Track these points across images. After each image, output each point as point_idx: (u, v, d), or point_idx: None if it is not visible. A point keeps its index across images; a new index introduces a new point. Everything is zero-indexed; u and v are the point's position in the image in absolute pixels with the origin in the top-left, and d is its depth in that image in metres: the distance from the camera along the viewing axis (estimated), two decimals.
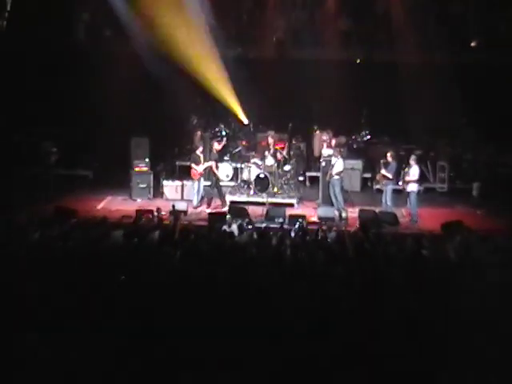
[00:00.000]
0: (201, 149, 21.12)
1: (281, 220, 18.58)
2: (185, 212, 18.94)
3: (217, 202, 20.66)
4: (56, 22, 23.84)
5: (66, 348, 10.19)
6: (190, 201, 20.46)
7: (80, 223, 17.14)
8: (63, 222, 16.76)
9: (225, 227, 16.75)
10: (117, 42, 23.81)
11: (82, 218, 17.67)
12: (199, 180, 20.63)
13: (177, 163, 23.14)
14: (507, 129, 21.54)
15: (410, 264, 13.99)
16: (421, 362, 10.14)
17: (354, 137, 23.52)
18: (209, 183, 21.46)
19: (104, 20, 24.73)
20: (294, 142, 22.71)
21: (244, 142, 22.28)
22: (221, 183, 21.25)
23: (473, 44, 24.20)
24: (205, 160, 20.87)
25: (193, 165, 20.68)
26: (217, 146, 21.52)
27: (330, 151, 20.31)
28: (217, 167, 21.48)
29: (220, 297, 11.64)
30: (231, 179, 21.74)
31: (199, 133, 22.28)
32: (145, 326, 10.63)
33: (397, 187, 19.77)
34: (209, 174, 21.25)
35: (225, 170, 21.94)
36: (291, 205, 20.16)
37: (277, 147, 21.71)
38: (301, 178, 22.34)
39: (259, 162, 21.27)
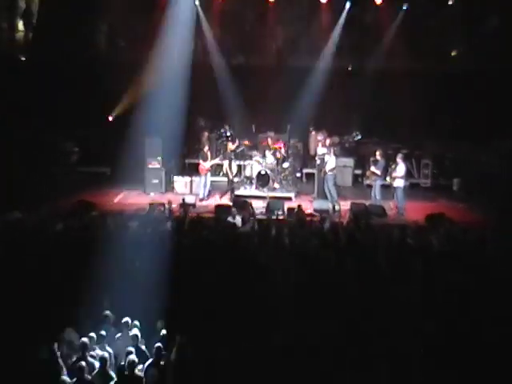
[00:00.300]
0: (207, 147, 21.14)
1: (280, 212, 18.50)
2: (193, 205, 18.97)
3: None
4: (79, 33, 23.50)
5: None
6: (198, 194, 20.33)
7: (99, 215, 17.38)
8: (84, 214, 17.23)
9: (230, 218, 16.93)
10: (131, 52, 23.51)
11: (101, 211, 17.81)
12: (206, 175, 20.66)
13: (186, 161, 23.16)
14: (485, 130, 21.42)
15: (396, 251, 14.48)
16: (402, 337, 10.32)
17: (346, 137, 23.39)
18: (215, 178, 21.76)
19: (119, 30, 24.31)
20: (291, 141, 22.44)
21: (246, 142, 22.18)
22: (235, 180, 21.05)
23: (453, 53, 23.96)
24: (211, 157, 20.92)
25: (200, 161, 20.70)
26: (231, 146, 21.62)
27: (324, 150, 20.20)
28: (230, 166, 21.48)
29: (225, 281, 12.12)
30: (235, 175, 21.54)
31: (206, 133, 22.10)
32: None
33: (385, 183, 19.68)
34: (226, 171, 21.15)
35: (232, 167, 21.55)
36: (289, 198, 20.11)
37: (275, 146, 21.43)
38: (298, 175, 22.26)
39: (260, 160, 21.23)
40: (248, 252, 14.35)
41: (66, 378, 9.10)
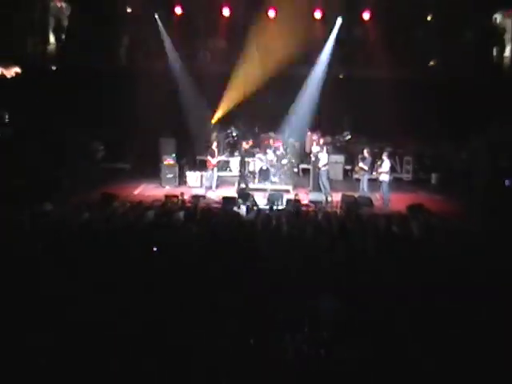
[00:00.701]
0: (215, 145, 21.08)
1: (279, 203, 18.48)
2: (203, 196, 18.91)
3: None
4: (102, 46, 23.62)
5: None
6: (208, 187, 20.43)
7: (121, 206, 17.12)
8: (107, 205, 16.94)
9: (235, 208, 16.84)
10: (148, 62, 23.60)
11: (122, 202, 17.56)
12: (213, 169, 20.66)
13: (197, 158, 23.03)
14: (459, 131, 21.54)
15: (382, 237, 14.10)
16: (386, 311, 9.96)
17: (337, 137, 23.57)
18: (222, 173, 21.72)
19: (137, 45, 24.32)
20: (290, 141, 22.53)
21: (250, 141, 21.85)
22: (246, 174, 21.02)
23: (431, 63, 24.09)
24: (218, 154, 20.92)
25: (208, 157, 20.64)
26: (245, 146, 21.34)
27: (318, 148, 20.22)
28: (243, 162, 21.32)
29: (231, 262, 11.68)
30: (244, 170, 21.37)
31: (214, 133, 22.19)
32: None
33: (371, 177, 19.76)
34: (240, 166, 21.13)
35: (236, 164, 21.73)
36: (287, 191, 20.10)
37: (275, 145, 21.58)
38: (295, 170, 22.19)
39: (262, 157, 21.30)
40: (251, 237, 14.26)
41: None
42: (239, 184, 20.78)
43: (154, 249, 12.90)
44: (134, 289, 10.94)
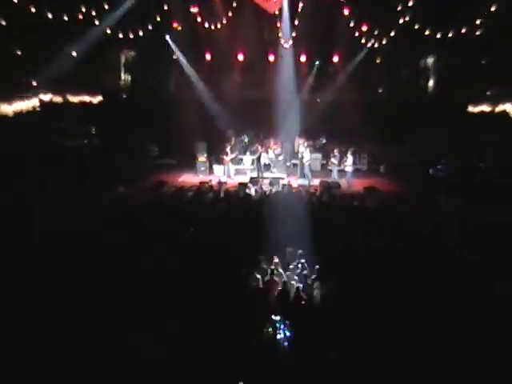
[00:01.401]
0: (229, 147, 20.66)
1: (277, 187, 18.36)
2: (225, 182, 18.83)
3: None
4: (159, 79, 23.62)
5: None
6: (228, 176, 20.36)
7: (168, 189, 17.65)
8: (159, 189, 17.65)
9: (247, 190, 17.23)
10: (187, 91, 23.44)
11: (170, 186, 18.08)
12: (228, 164, 20.53)
13: (220, 156, 21.91)
14: (399, 136, 21.51)
15: (347, 208, 15.12)
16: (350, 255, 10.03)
17: (316, 141, 23.32)
18: (239, 166, 21.34)
19: (182, 78, 23.82)
20: (284, 144, 22.40)
21: (257, 144, 21.89)
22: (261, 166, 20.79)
23: (379, 90, 24.15)
24: (231, 153, 20.59)
25: (224, 156, 20.51)
26: (260, 149, 21.12)
27: (303, 149, 20.28)
28: (259, 159, 20.88)
29: (244, 228, 12.12)
30: (252, 164, 21.57)
31: (233, 138, 22.00)
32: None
33: (340, 168, 19.86)
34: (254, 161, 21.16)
35: (249, 160, 21.79)
36: (283, 178, 19.91)
37: (274, 146, 21.42)
38: (288, 164, 22.13)
39: (266, 155, 20.96)
40: (258, 208, 14.60)
41: None
42: (258, 172, 20.52)
43: (191, 229, 12.53)
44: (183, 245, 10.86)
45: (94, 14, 18.20)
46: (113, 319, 7.21)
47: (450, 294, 8.30)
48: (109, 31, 19.72)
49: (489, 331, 7.03)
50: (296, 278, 9.60)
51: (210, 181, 18.27)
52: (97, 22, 18.78)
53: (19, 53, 17.93)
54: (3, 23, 16.29)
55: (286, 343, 6.95)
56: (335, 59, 22.28)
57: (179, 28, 21.20)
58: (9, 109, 17.32)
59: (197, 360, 6.30)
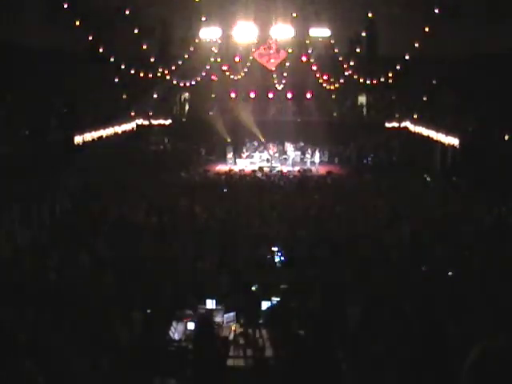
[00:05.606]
0: (244, 149, 20.87)
1: (275, 172, 19.01)
2: (243, 170, 19.25)
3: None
4: (205, 109, 22.97)
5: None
6: (245, 166, 20.37)
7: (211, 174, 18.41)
8: (206, 174, 18.45)
9: (257, 174, 18.33)
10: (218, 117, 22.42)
11: (212, 172, 18.66)
12: (245, 159, 20.78)
13: (240, 154, 21.77)
14: (344, 140, 21.45)
15: (316, 184, 16.15)
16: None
17: (297, 144, 21.96)
18: (252, 160, 21.02)
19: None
20: (279, 146, 21.98)
21: (261, 147, 21.86)
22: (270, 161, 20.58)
23: (334, 114, 23.07)
24: (246, 152, 20.83)
25: (242, 154, 21.02)
26: (271, 152, 21.09)
27: (290, 149, 21.06)
28: (270, 156, 20.62)
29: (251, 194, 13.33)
30: (259, 159, 21.30)
31: (247, 143, 21.94)
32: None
33: (311, 160, 20.50)
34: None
35: (257, 156, 21.49)
36: (278, 167, 20.03)
37: (272, 148, 21.46)
38: (280, 158, 21.46)
39: (267, 153, 21.27)
40: (262, 186, 15.65)
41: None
42: (268, 163, 20.45)
43: (224, 190, 14.85)
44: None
45: (166, 72, 19.45)
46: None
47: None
48: (175, 82, 20.76)
49: None
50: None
51: (233, 169, 19.19)
52: (168, 77, 20.02)
53: (125, 96, 20.59)
54: (116, 80, 18.88)
55: None
56: (308, 96, 22.17)
57: (215, 78, 21.90)
58: (118, 129, 19.50)
59: None
